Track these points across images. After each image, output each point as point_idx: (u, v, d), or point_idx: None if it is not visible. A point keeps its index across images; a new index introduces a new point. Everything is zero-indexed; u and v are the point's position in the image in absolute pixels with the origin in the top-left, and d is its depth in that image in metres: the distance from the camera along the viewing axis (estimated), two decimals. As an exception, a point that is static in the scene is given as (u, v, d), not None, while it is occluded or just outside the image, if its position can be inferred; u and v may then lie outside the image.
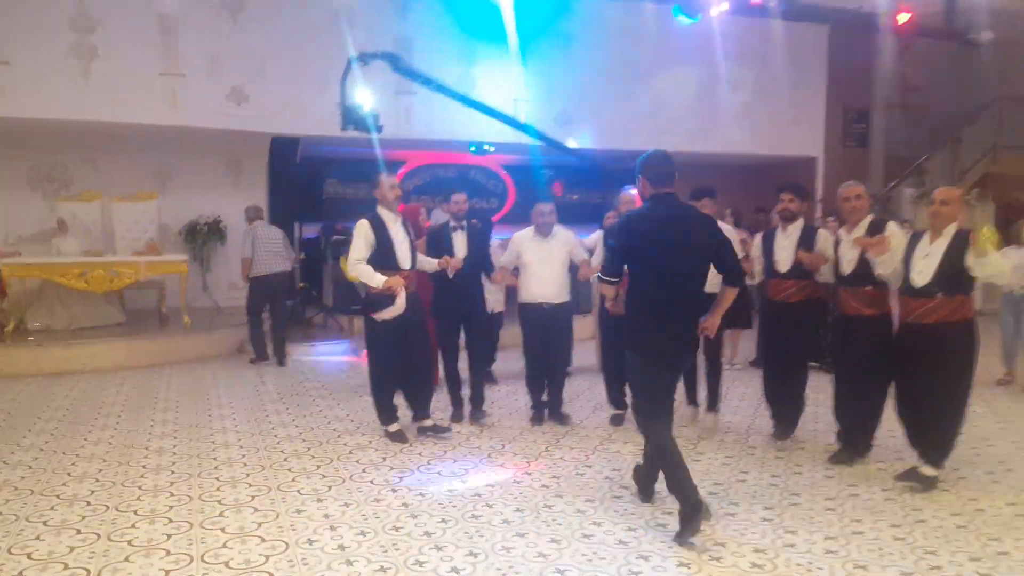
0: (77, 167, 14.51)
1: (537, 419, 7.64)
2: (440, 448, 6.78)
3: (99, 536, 4.87)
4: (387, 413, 7.11)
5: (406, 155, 16.86)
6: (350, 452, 6.68)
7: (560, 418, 7.70)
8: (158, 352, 11.05)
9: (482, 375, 8.12)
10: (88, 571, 4.39)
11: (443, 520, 5.13)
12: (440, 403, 8.09)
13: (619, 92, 15.95)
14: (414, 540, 4.80)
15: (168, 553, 4.62)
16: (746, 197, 16.66)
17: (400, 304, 6.61)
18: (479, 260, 7.74)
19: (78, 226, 13.14)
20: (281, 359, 10.92)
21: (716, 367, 7.58)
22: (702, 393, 7.69)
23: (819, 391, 7.40)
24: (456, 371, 7.83)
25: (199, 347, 11.53)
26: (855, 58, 17.41)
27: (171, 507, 5.37)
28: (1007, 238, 10.06)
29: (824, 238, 6.66)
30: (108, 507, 5.37)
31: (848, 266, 6.22)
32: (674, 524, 4.97)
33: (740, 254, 7.41)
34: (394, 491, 5.69)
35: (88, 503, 5.46)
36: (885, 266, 5.88)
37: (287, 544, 4.74)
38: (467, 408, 7.80)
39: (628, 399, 6.80)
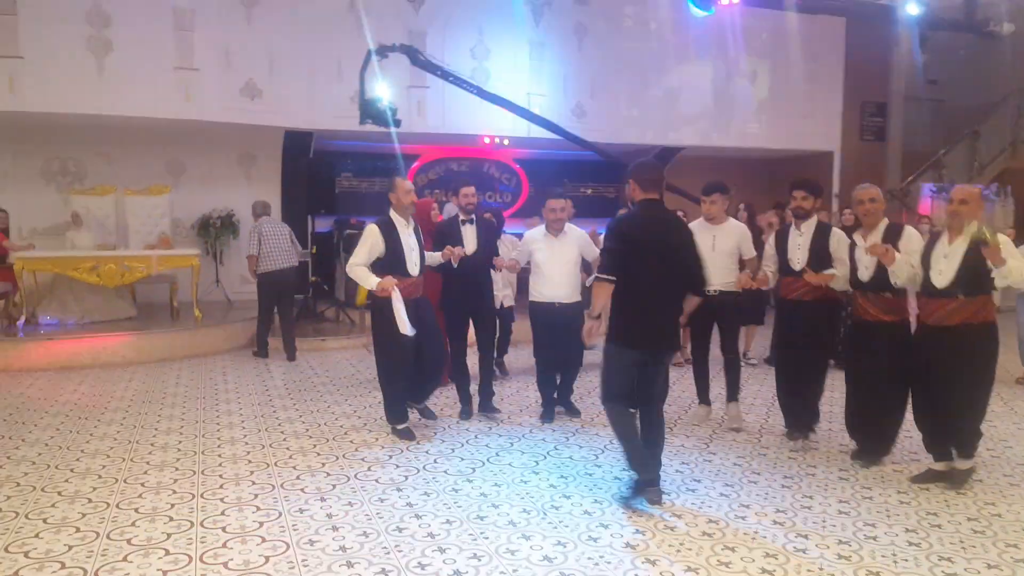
0: (91, 161, 14.49)
1: (547, 417, 7.56)
2: (448, 446, 6.71)
3: (98, 535, 4.81)
4: (396, 411, 7.03)
5: (420, 149, 16.80)
6: (356, 449, 6.61)
7: (570, 408, 7.69)
8: (168, 347, 11.01)
9: (491, 368, 8.09)
10: (85, 571, 4.33)
11: (447, 521, 5.05)
12: (448, 400, 8.08)
13: (634, 86, 15.87)
14: (417, 542, 4.72)
15: (167, 553, 4.55)
16: (761, 192, 16.53)
17: (399, 309, 6.55)
18: (488, 254, 7.70)
19: (92, 220, 13.11)
20: (291, 353, 10.89)
21: (735, 362, 7.52)
22: (714, 392, 7.67)
23: (833, 389, 7.30)
24: (465, 366, 7.78)
25: (210, 341, 11.48)
26: (872, 51, 17.22)
27: (172, 505, 5.31)
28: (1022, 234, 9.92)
29: (838, 238, 6.53)
30: (109, 504, 5.32)
31: (866, 272, 6.07)
32: (683, 527, 4.93)
33: (754, 252, 7.39)
34: (399, 490, 5.61)
35: (89, 500, 5.41)
36: (897, 276, 5.78)
37: (288, 544, 4.66)
38: (475, 402, 7.78)
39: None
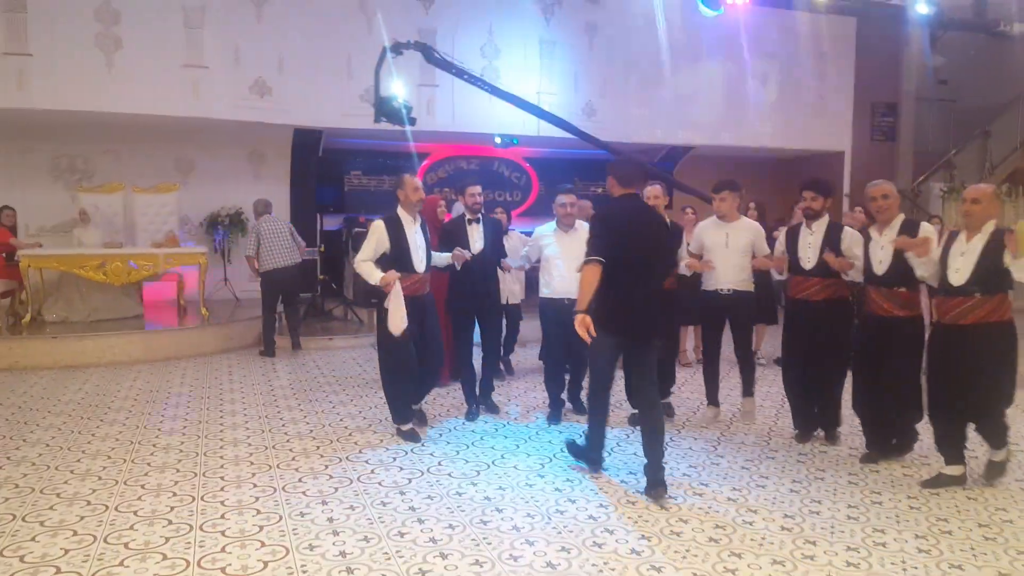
0: (100, 158, 14.51)
1: (554, 419, 7.49)
2: (453, 448, 6.64)
3: (96, 538, 4.75)
4: (400, 411, 6.98)
5: (429, 147, 16.77)
6: (360, 451, 6.54)
7: (578, 406, 7.65)
8: (174, 345, 10.95)
9: (494, 365, 8.21)
10: (80, 575, 4.27)
11: (450, 526, 4.97)
12: (455, 401, 8.03)
13: (644, 85, 15.79)
14: (419, 547, 4.65)
15: (165, 557, 4.49)
16: (772, 191, 16.45)
17: (397, 305, 6.53)
18: (495, 254, 7.72)
19: (100, 217, 13.10)
20: (295, 341, 11.13)
21: (748, 360, 7.52)
22: (723, 392, 7.67)
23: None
24: (471, 366, 7.76)
25: (216, 340, 11.43)
26: (883, 51, 17.11)
27: (172, 508, 5.25)
28: None
29: (850, 236, 6.48)
30: (108, 507, 5.26)
31: (880, 267, 6.02)
32: (689, 532, 4.85)
33: (767, 251, 7.32)
34: (402, 494, 5.54)
35: (88, 502, 5.35)
36: (927, 267, 5.71)
37: (287, 549, 4.60)
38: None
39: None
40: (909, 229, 5.89)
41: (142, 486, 5.67)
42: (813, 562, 4.49)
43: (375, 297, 6.86)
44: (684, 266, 7.37)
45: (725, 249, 7.20)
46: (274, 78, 13.67)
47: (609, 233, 5.54)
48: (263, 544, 4.67)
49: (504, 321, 8.71)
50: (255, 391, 8.77)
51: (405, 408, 6.99)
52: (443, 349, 7.39)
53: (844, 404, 6.78)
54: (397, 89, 11.84)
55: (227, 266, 14.86)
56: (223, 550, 4.59)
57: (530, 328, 10.11)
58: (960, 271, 5.50)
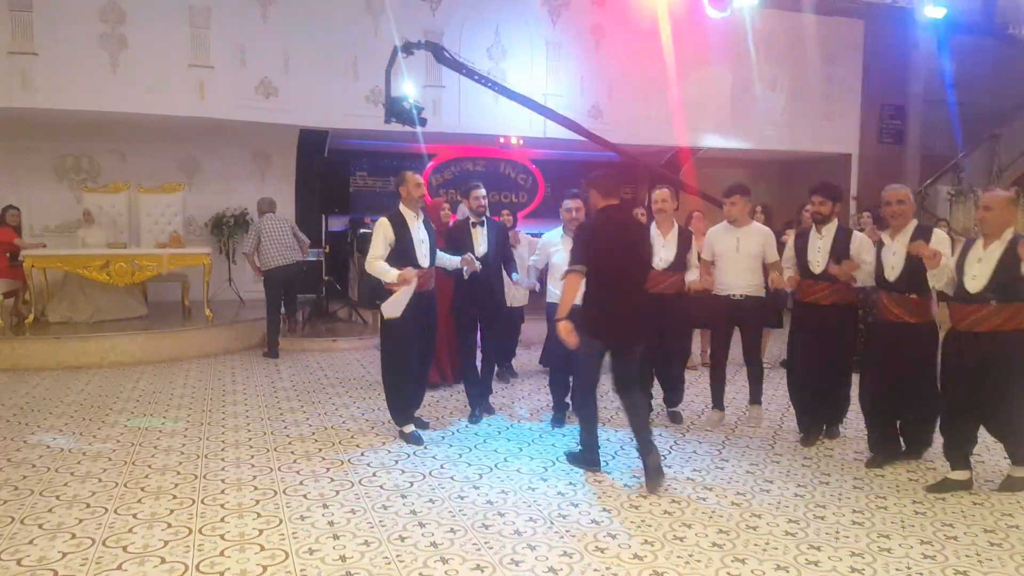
0: (104, 158, 14.47)
1: (558, 422, 7.45)
2: (456, 451, 6.60)
3: (94, 541, 4.72)
4: (402, 414, 6.95)
5: (436, 148, 16.71)
6: (362, 453, 6.51)
7: None
8: (178, 346, 10.92)
9: (492, 368, 8.23)
10: (77, 578, 4.25)
11: (451, 530, 4.93)
12: (458, 403, 8.00)
13: (651, 87, 15.69)
14: (419, 551, 4.61)
15: (163, 561, 4.45)
16: (780, 194, 16.39)
17: (403, 293, 6.54)
18: (499, 256, 7.72)
19: (104, 217, 13.05)
20: (292, 323, 11.75)
21: (757, 366, 7.52)
22: (728, 396, 7.65)
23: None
24: (475, 368, 7.76)
25: (220, 341, 11.40)
26: (891, 53, 17.03)
27: (172, 511, 5.21)
28: None
29: (859, 241, 6.46)
30: (107, 510, 5.22)
31: (892, 272, 5.98)
32: (692, 537, 4.81)
33: (777, 256, 7.28)
34: (403, 497, 5.50)
35: (87, 505, 5.32)
36: (939, 278, 5.66)
37: (287, 554, 4.56)
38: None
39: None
40: (922, 235, 5.84)
41: (142, 488, 5.64)
42: (817, 568, 4.44)
43: (380, 299, 6.82)
44: (689, 277, 7.35)
45: (736, 254, 7.18)
46: (280, 78, 13.62)
47: (594, 241, 5.81)
48: (262, 548, 4.64)
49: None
50: (258, 392, 8.74)
51: (406, 410, 6.96)
52: (434, 352, 7.45)
53: (852, 406, 6.78)
54: (408, 90, 11.83)
55: (231, 267, 14.81)
56: (222, 554, 4.55)
57: (534, 330, 10.08)
58: (977, 278, 5.46)
